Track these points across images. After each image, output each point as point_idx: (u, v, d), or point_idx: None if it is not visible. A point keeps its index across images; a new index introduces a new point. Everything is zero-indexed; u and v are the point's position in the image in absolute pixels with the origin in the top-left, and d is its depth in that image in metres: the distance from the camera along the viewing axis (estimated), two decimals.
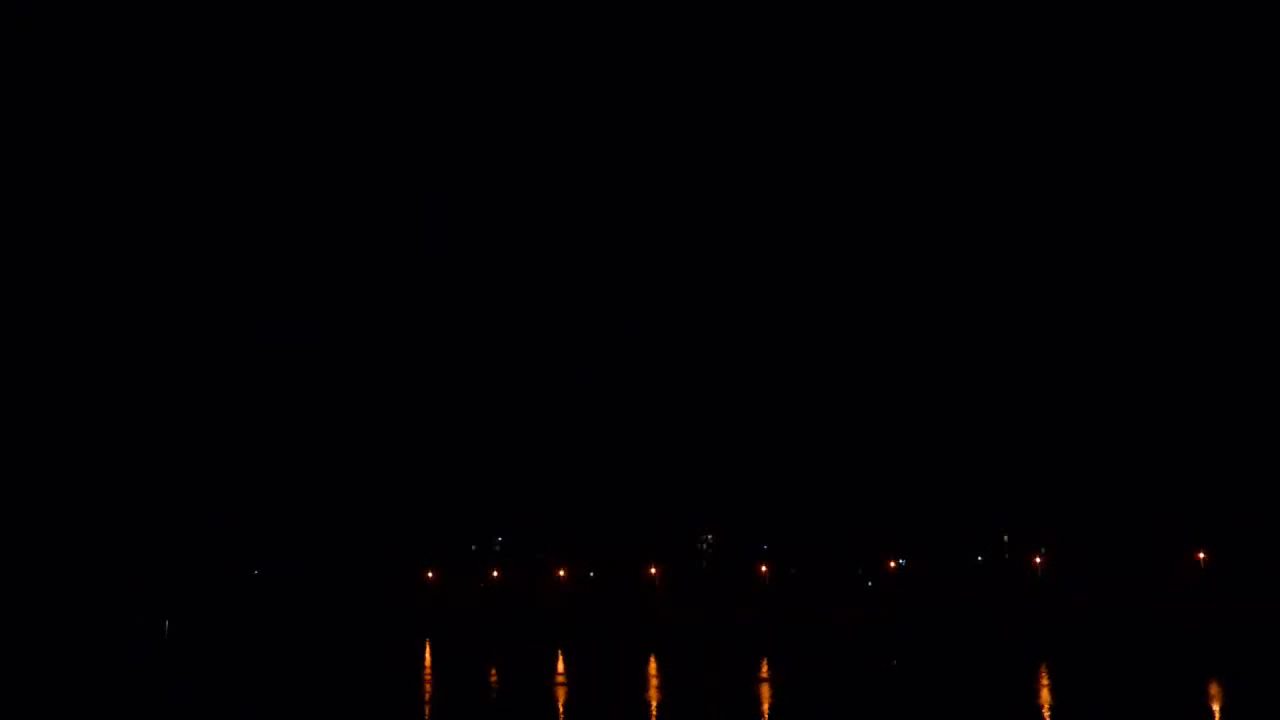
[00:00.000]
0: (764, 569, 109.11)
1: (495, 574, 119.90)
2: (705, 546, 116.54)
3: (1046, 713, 48.06)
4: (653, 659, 65.72)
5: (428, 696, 55.06)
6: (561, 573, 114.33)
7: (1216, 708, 47.90)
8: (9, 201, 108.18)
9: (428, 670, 60.95)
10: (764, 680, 56.95)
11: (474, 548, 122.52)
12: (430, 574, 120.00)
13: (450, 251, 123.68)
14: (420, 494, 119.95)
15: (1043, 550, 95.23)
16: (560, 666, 61.10)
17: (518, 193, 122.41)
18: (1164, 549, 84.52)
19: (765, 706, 50.78)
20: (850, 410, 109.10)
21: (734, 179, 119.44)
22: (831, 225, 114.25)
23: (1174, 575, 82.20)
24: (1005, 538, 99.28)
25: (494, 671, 60.19)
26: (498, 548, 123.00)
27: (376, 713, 49.72)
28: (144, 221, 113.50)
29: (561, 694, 54.51)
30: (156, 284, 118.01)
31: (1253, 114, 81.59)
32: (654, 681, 58.87)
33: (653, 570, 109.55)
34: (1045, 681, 55.74)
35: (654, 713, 49.60)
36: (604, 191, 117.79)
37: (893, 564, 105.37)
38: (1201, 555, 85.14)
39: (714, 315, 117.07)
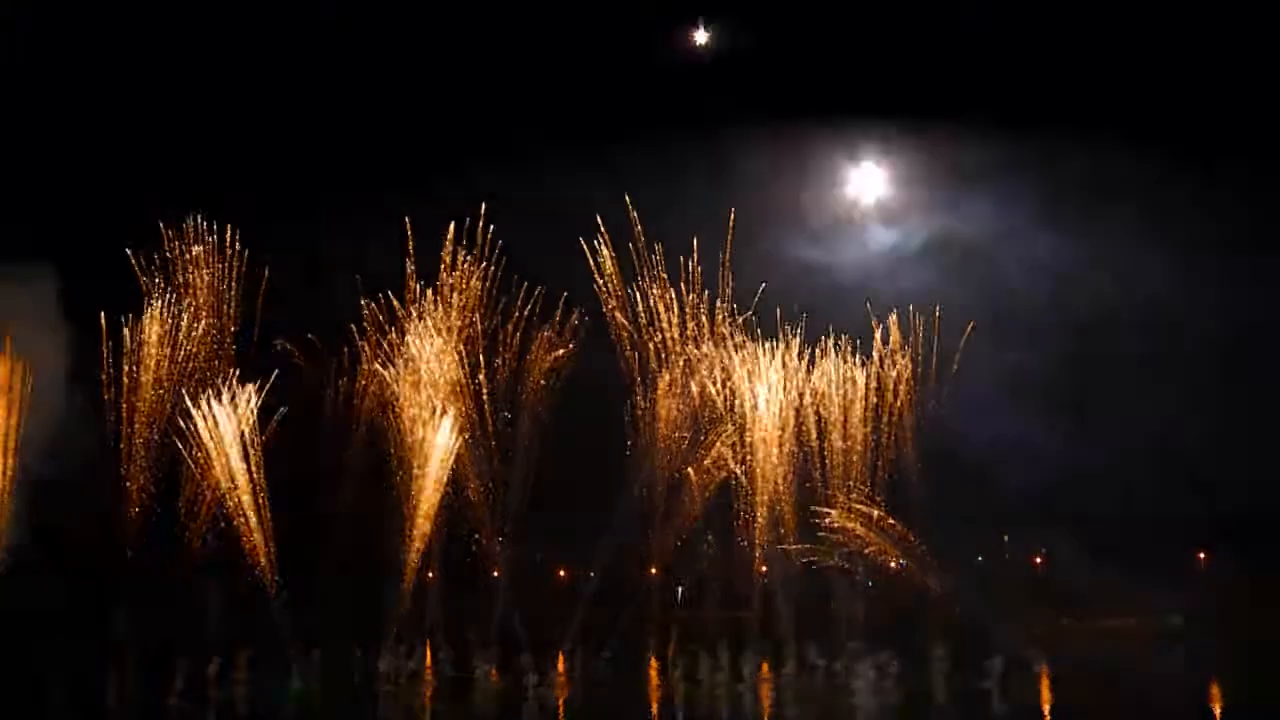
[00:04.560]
0: (764, 569, 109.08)
1: (495, 574, 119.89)
2: (706, 547, 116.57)
3: (1047, 713, 48.20)
4: (653, 659, 65.87)
5: (428, 695, 55.20)
6: (562, 573, 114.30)
7: (1217, 709, 48.01)
8: None
9: (428, 670, 60.97)
10: (765, 680, 57.01)
11: (474, 548, 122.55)
12: (430, 574, 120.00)
13: None
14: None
15: (1043, 551, 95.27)
16: (561, 666, 61.15)
17: None
18: (1164, 549, 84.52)
19: (766, 706, 50.94)
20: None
21: None
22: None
23: (1174, 575, 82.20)
24: (1005, 538, 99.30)
25: (494, 671, 60.21)
26: (498, 548, 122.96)
27: (377, 712, 49.86)
28: None
29: (562, 694, 54.66)
30: None
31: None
32: (655, 681, 59.02)
33: (653, 570, 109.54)
34: (1046, 682, 55.87)
35: (655, 713, 49.75)
36: None
37: (893, 564, 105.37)
38: (1202, 555, 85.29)
39: None
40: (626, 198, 71.27)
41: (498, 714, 52.28)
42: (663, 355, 75.34)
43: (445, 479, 75.64)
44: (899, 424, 76.68)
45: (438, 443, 73.26)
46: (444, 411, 73.08)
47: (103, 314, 71.53)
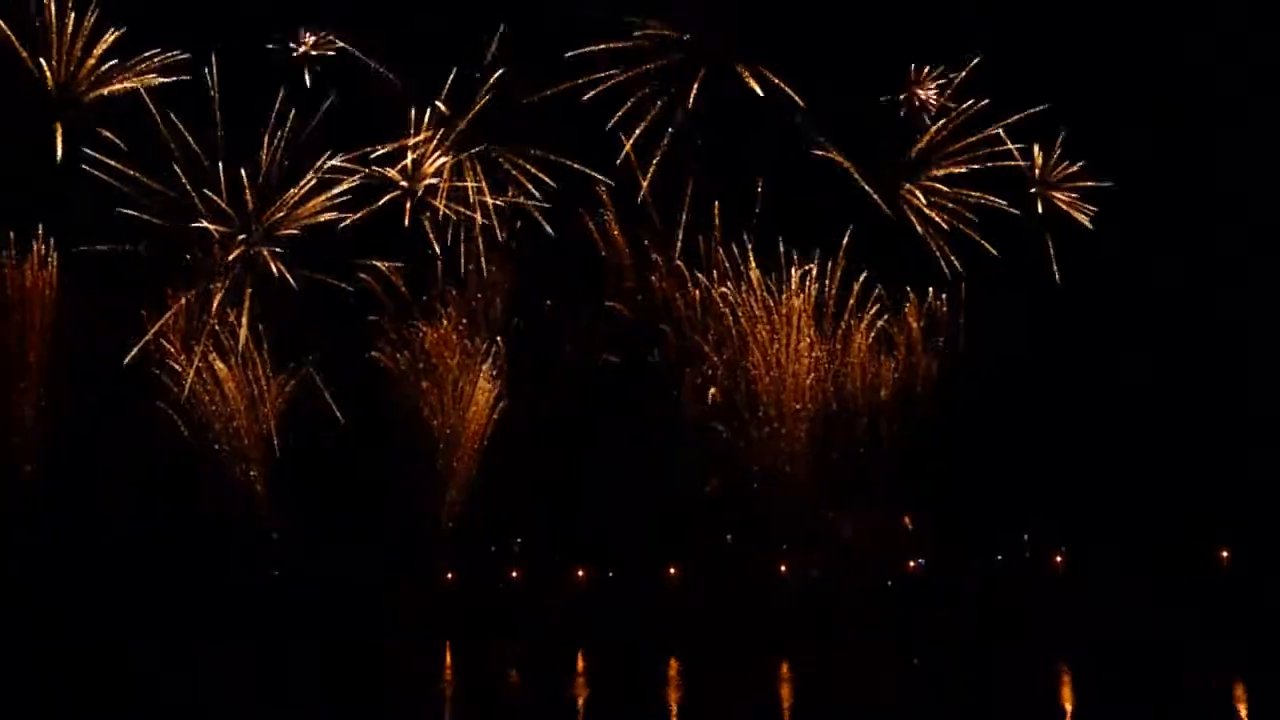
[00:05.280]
0: (783, 568, 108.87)
1: (514, 574, 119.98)
2: (724, 548, 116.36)
3: (1069, 711, 48.00)
4: (673, 660, 65.89)
5: (449, 696, 55.30)
6: (580, 573, 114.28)
7: (1243, 709, 47.72)
8: None
9: (448, 670, 61.11)
10: (785, 681, 56.94)
11: (493, 549, 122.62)
12: (450, 575, 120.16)
13: None
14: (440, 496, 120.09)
15: (1063, 549, 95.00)
16: (580, 666, 61.22)
17: None
18: (1185, 547, 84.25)
19: (786, 707, 50.85)
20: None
21: None
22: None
23: (1194, 573, 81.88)
24: (1025, 536, 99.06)
25: (515, 671, 60.35)
26: (516, 549, 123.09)
27: (397, 712, 49.93)
28: None
29: (582, 694, 54.69)
30: None
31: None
32: (675, 681, 58.99)
33: (671, 570, 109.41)
34: (1066, 680, 55.66)
35: (675, 713, 49.71)
36: None
37: (911, 564, 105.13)
38: (1225, 554, 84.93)
39: None
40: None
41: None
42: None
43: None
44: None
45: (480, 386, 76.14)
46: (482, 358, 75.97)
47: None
